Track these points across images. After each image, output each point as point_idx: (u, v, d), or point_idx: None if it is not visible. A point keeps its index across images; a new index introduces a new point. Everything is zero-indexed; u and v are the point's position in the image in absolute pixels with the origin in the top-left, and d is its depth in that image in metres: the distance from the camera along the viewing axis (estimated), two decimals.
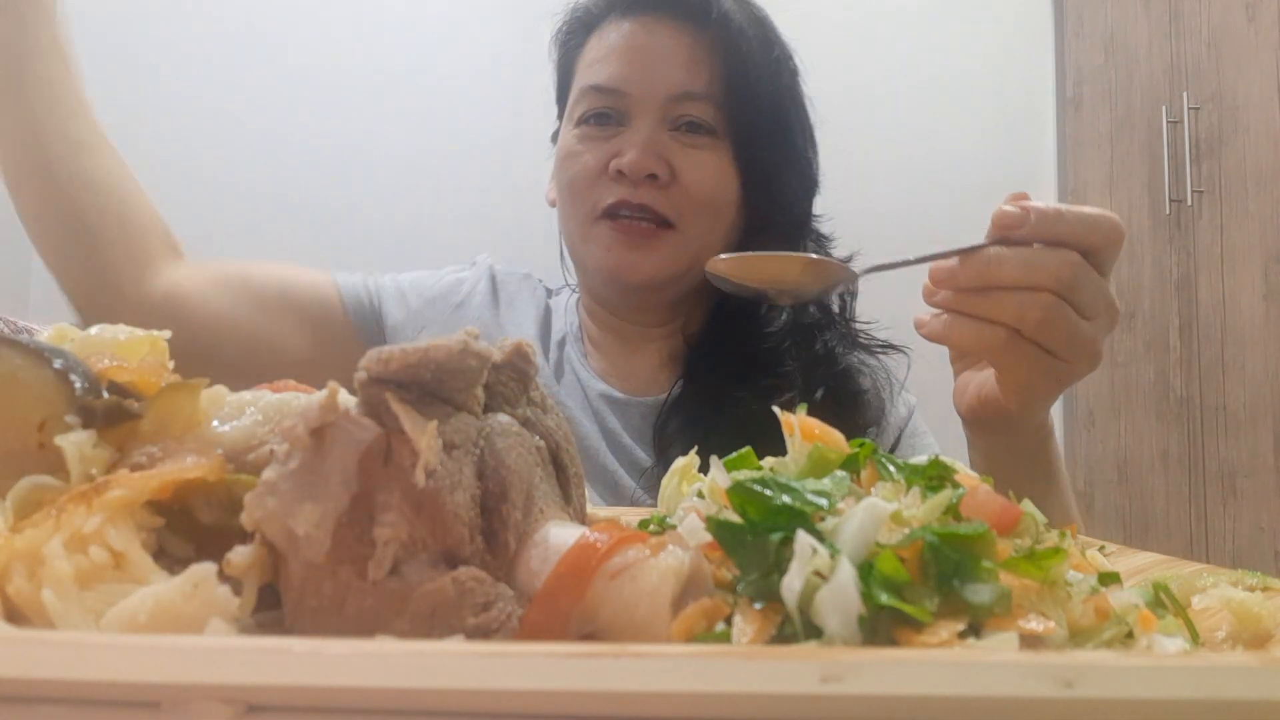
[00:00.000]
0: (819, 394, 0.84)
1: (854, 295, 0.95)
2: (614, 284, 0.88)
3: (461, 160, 2.57)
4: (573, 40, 0.94)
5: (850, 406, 0.87)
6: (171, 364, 0.37)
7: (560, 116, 0.97)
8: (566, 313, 1.00)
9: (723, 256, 0.60)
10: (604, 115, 0.87)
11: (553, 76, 0.98)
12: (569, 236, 0.93)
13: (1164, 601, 0.33)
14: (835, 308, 0.93)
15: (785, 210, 0.90)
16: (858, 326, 0.94)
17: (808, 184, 0.94)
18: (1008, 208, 0.57)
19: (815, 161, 0.95)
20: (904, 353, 0.95)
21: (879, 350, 0.94)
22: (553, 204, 0.96)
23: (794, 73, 0.93)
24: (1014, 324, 0.57)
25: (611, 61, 0.87)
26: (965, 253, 0.57)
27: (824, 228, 0.98)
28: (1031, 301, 0.56)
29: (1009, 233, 0.56)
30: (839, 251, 0.98)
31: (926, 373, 0.97)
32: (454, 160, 2.59)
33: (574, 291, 1.05)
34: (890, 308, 0.91)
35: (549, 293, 1.05)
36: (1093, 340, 0.59)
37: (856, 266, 0.93)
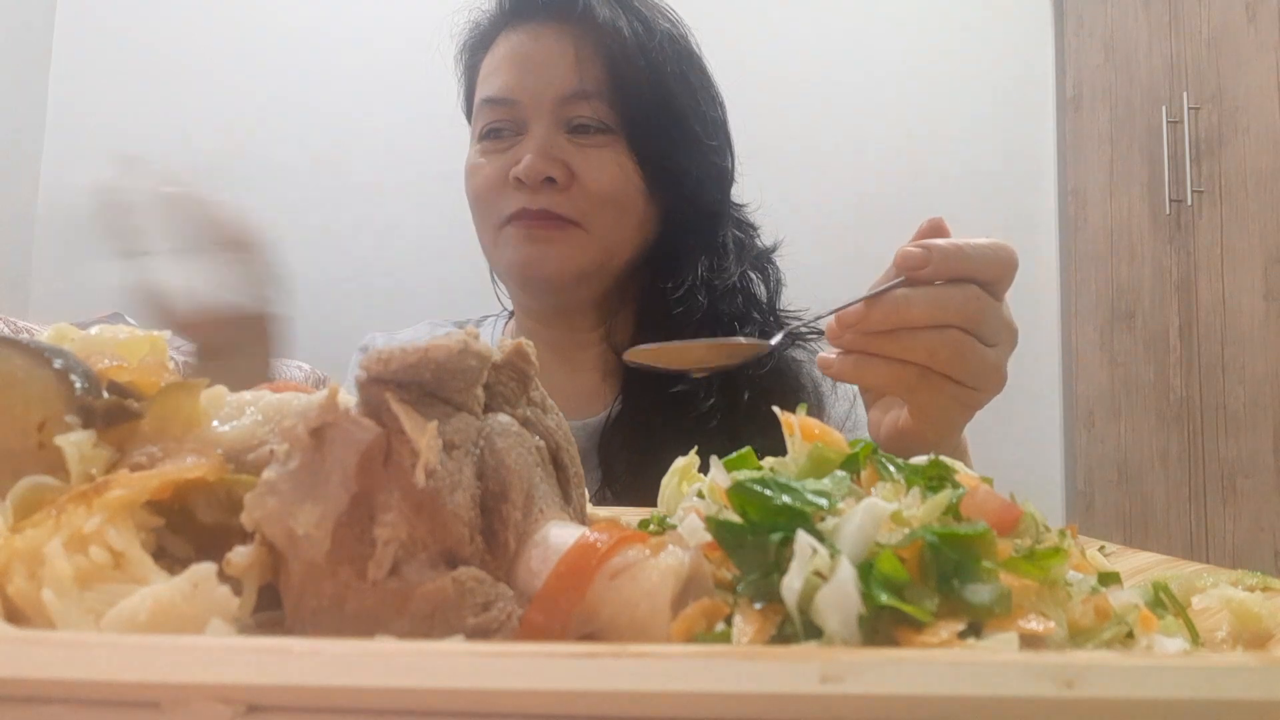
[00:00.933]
0: (745, 396, 0.83)
1: (780, 285, 0.94)
2: (525, 282, 0.88)
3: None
4: (472, 60, 0.96)
5: (782, 405, 0.85)
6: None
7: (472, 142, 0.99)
8: (493, 341, 0.99)
9: (640, 348, 0.60)
10: (498, 130, 0.88)
11: (460, 101, 1.00)
12: (484, 249, 0.93)
13: (1164, 601, 0.33)
14: (761, 296, 0.92)
15: (694, 200, 0.89)
16: (785, 316, 0.93)
17: (715, 172, 0.93)
18: (910, 248, 0.58)
19: (724, 148, 0.94)
20: (821, 332, 0.91)
21: (810, 338, 0.92)
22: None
23: (686, 56, 0.91)
24: (926, 362, 0.58)
25: (501, 73, 0.88)
26: (873, 298, 0.58)
27: (753, 217, 0.97)
28: (941, 339, 0.57)
29: (913, 273, 0.57)
30: (765, 240, 0.97)
31: None
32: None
33: (500, 317, 1.06)
34: (824, 298, 0.90)
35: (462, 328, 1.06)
36: (998, 366, 0.60)
37: (783, 263, 0.94)
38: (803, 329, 0.91)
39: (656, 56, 0.88)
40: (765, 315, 0.90)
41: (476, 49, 0.95)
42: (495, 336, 1.01)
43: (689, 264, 0.89)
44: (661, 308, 0.88)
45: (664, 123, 0.87)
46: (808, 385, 0.89)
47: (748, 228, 0.96)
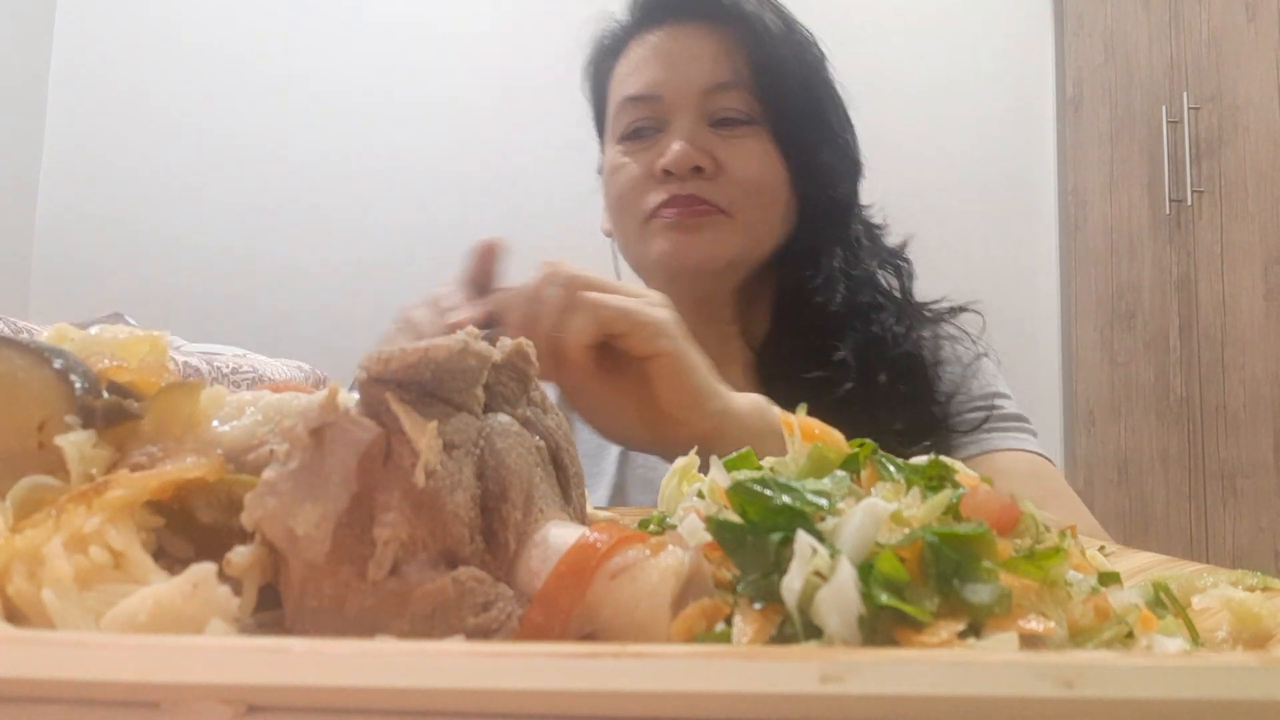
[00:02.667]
0: (881, 377, 0.83)
1: (913, 277, 0.96)
2: (676, 271, 0.87)
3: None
4: (602, 66, 0.96)
5: (919, 384, 0.87)
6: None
7: (601, 144, 0.98)
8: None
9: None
10: (642, 129, 0.88)
11: (589, 111, 1.01)
12: (627, 250, 0.93)
13: (1164, 601, 0.33)
14: (894, 288, 0.93)
15: (830, 191, 0.91)
16: (923, 306, 0.94)
17: (849, 165, 0.95)
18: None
19: (854, 143, 0.97)
20: (975, 312, 0.95)
21: (947, 317, 0.94)
22: (608, 234, 0.97)
23: (820, 56, 0.94)
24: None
25: (642, 71, 0.89)
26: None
27: (875, 218, 1.00)
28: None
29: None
30: (892, 240, 0.99)
31: (997, 330, 0.97)
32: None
33: None
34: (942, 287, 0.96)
35: None
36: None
37: (909, 251, 0.97)
38: (944, 311, 0.94)
39: (798, 48, 0.90)
40: (901, 305, 0.92)
41: (607, 56, 0.96)
42: None
43: (826, 255, 0.90)
44: (801, 298, 0.89)
45: (806, 113, 0.89)
46: (945, 361, 0.90)
47: (875, 229, 0.98)
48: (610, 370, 0.62)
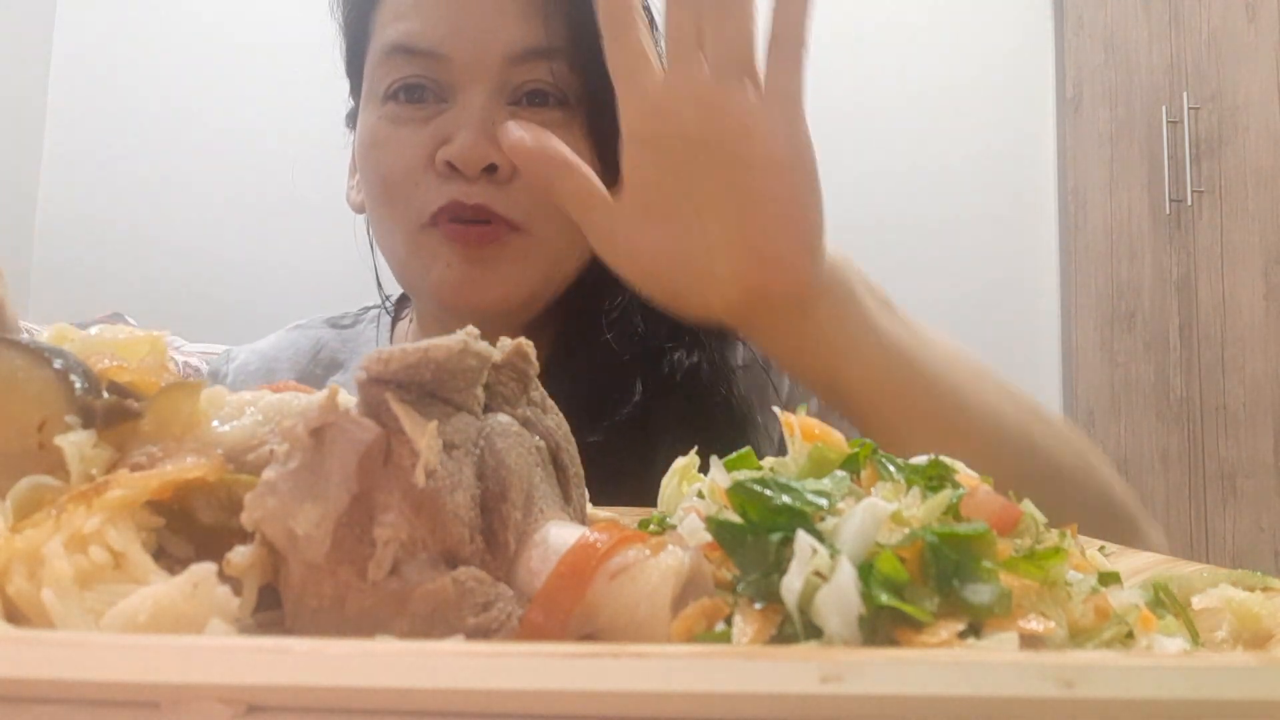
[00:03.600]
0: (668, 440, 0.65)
1: None
2: (456, 310, 0.67)
3: None
4: None
5: (719, 415, 0.71)
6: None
7: (355, 93, 0.76)
8: (377, 345, 0.83)
9: None
10: (416, 88, 0.67)
11: (339, 40, 0.77)
12: (389, 249, 0.72)
13: (1164, 601, 0.33)
14: None
15: None
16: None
17: None
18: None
19: None
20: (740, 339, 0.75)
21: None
22: (358, 210, 0.78)
23: (651, 21, 0.75)
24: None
25: (423, 13, 0.66)
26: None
27: None
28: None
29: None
30: None
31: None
32: None
33: (388, 313, 0.87)
34: None
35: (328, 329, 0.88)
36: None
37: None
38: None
39: None
40: (697, 331, 0.73)
41: None
42: (381, 339, 0.85)
43: (621, 287, 0.70)
44: (591, 332, 0.72)
45: None
46: (764, 407, 0.73)
47: None
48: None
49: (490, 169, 0.65)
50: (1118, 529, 0.58)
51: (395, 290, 0.86)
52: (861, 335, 0.52)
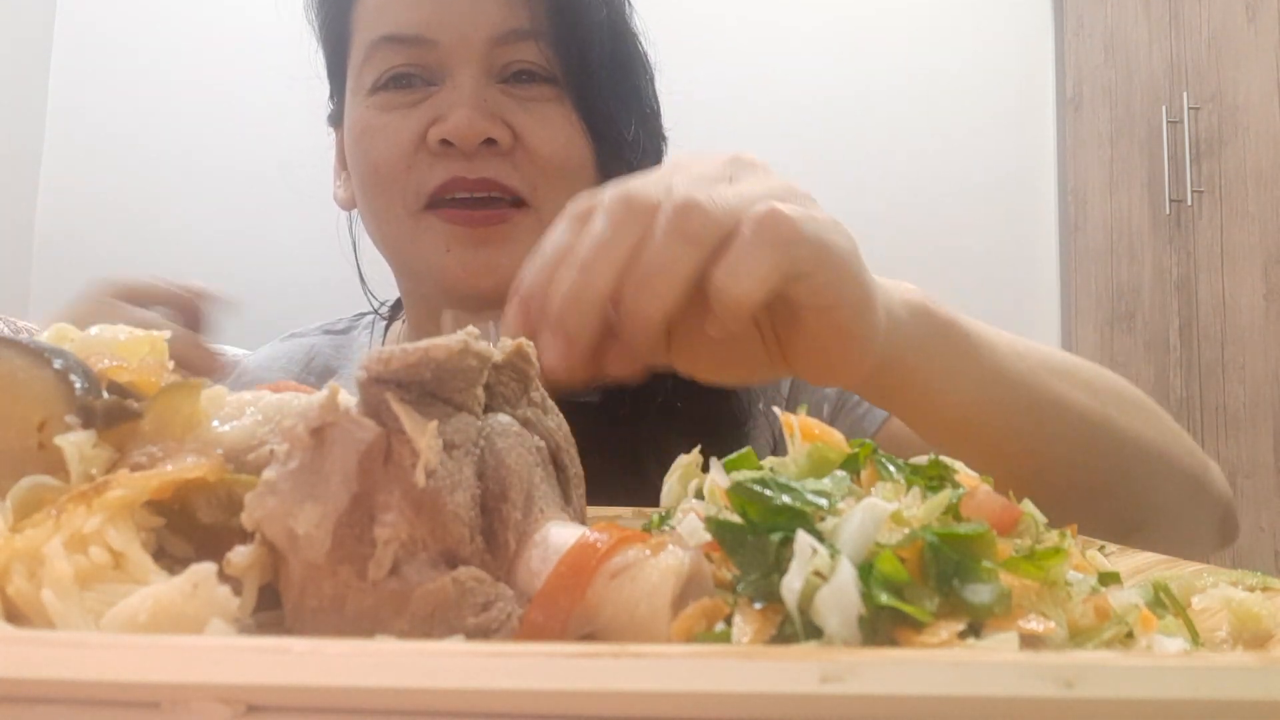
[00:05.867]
0: (658, 400, 0.65)
1: None
2: (461, 296, 0.66)
3: None
4: None
5: (711, 404, 0.68)
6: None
7: (336, 95, 0.76)
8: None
9: None
10: (405, 77, 0.67)
11: (316, 43, 0.76)
12: (385, 241, 0.71)
13: (1164, 601, 0.33)
14: None
15: (635, 171, 0.67)
16: None
17: (657, 140, 0.76)
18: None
19: (659, 112, 0.77)
20: None
21: None
22: (347, 206, 0.78)
23: (626, 1, 0.74)
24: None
25: (407, 2, 0.67)
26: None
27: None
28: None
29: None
30: None
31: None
32: None
33: (382, 318, 0.86)
34: None
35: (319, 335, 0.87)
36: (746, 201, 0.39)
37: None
38: None
39: None
40: None
41: None
42: (375, 344, 0.84)
43: None
44: None
45: (615, 77, 0.70)
46: (740, 406, 0.71)
47: None
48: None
49: (489, 143, 0.64)
50: (1200, 479, 0.62)
51: (381, 292, 0.86)
52: (943, 376, 0.52)
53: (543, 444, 0.32)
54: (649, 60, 0.76)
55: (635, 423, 0.67)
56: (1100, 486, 0.59)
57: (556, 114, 0.67)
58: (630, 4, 0.75)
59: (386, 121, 0.67)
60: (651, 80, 0.77)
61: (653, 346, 0.41)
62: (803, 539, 0.26)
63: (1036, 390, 0.55)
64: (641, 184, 0.41)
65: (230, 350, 0.91)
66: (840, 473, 0.33)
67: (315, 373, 0.85)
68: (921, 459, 0.35)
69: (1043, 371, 0.56)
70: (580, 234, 0.41)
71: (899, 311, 0.49)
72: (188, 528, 0.29)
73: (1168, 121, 2.34)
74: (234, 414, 0.32)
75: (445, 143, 0.64)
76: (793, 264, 0.39)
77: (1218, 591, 0.35)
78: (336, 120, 0.77)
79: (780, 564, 0.26)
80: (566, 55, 0.67)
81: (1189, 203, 2.28)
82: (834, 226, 0.42)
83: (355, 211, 0.79)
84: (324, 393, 0.27)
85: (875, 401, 0.57)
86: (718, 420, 0.69)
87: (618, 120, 0.70)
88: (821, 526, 0.28)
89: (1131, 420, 0.59)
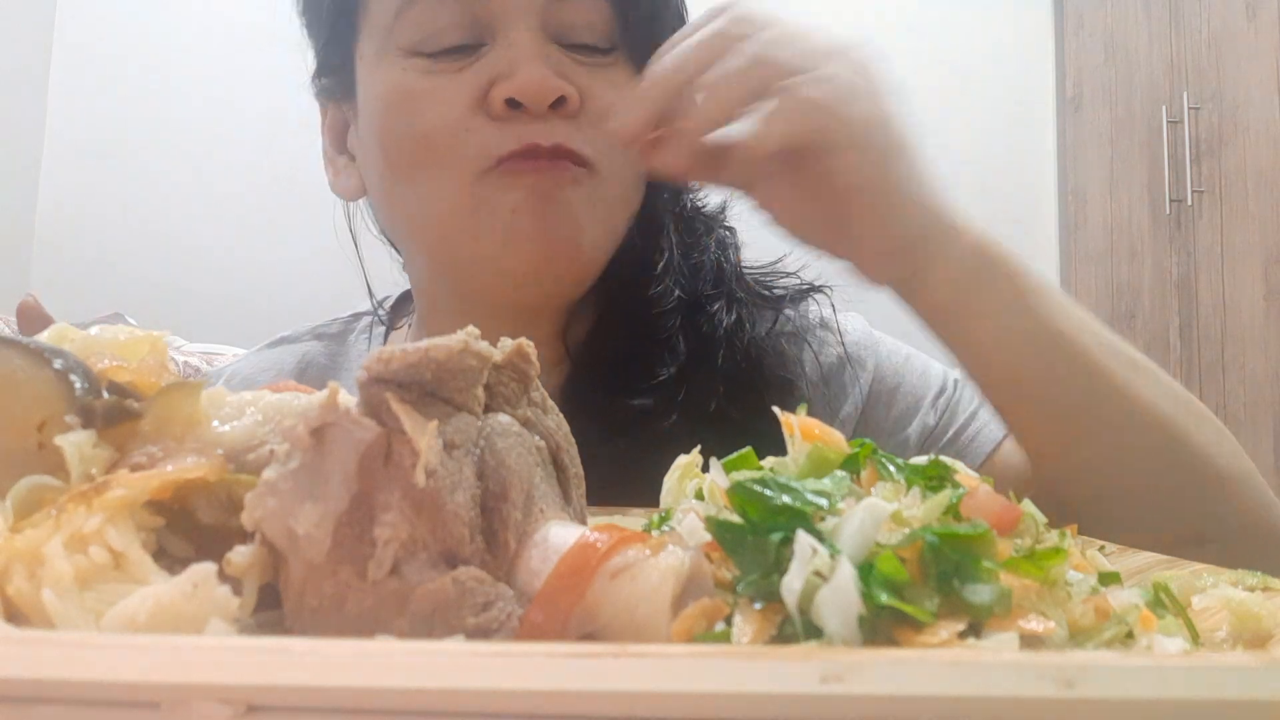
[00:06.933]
0: (711, 405, 0.63)
1: (736, 247, 0.72)
2: (519, 277, 0.61)
3: None
4: None
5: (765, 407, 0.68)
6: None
7: (339, 62, 0.67)
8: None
9: None
10: (456, 48, 0.60)
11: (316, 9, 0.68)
12: (428, 217, 0.62)
13: (1164, 601, 0.33)
14: (719, 267, 0.69)
15: None
16: (759, 279, 0.71)
17: None
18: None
19: None
20: (823, 292, 0.72)
21: (791, 301, 0.71)
22: (352, 195, 0.71)
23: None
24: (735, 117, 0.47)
25: None
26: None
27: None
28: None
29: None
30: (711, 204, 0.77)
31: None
32: None
33: (381, 321, 0.81)
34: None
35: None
36: (824, 88, 0.48)
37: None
38: (797, 290, 0.71)
39: None
40: (733, 285, 0.69)
41: None
42: (374, 347, 0.79)
43: (665, 239, 0.68)
44: (633, 291, 0.66)
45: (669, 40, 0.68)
46: (804, 378, 0.69)
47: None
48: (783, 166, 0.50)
49: (559, 103, 0.59)
50: (1273, 546, 0.58)
51: (383, 295, 0.82)
52: (1000, 306, 0.54)
53: (543, 444, 0.32)
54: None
55: (685, 429, 0.62)
56: (1156, 485, 0.57)
57: (618, 78, 0.62)
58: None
59: (432, 86, 0.60)
60: None
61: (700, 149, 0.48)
62: (803, 539, 0.26)
63: (1101, 369, 0.54)
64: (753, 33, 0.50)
65: (222, 355, 0.88)
66: (840, 473, 0.33)
67: (310, 383, 0.82)
68: (921, 459, 0.35)
69: (1112, 355, 0.55)
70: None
71: (949, 234, 0.53)
72: (188, 528, 0.29)
73: (1168, 121, 2.34)
74: (234, 414, 0.32)
75: (512, 103, 0.58)
76: (818, 134, 0.47)
77: (1218, 591, 0.35)
78: (334, 92, 0.69)
79: (780, 564, 0.26)
80: (626, 17, 0.62)
81: (1189, 203, 2.28)
82: (883, 121, 0.49)
83: (361, 201, 0.73)
84: (324, 393, 0.27)
85: (926, 315, 0.57)
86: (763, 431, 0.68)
87: None
88: (821, 526, 0.28)
89: (1203, 435, 0.58)
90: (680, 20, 0.68)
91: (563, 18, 0.61)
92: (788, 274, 0.73)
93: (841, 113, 0.48)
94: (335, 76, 0.68)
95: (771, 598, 0.26)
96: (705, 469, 0.37)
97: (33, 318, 0.55)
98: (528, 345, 0.33)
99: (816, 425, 0.37)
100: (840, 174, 0.49)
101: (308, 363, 0.80)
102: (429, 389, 0.28)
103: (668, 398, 0.63)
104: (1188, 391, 0.60)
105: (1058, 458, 0.58)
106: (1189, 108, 2.28)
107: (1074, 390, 0.55)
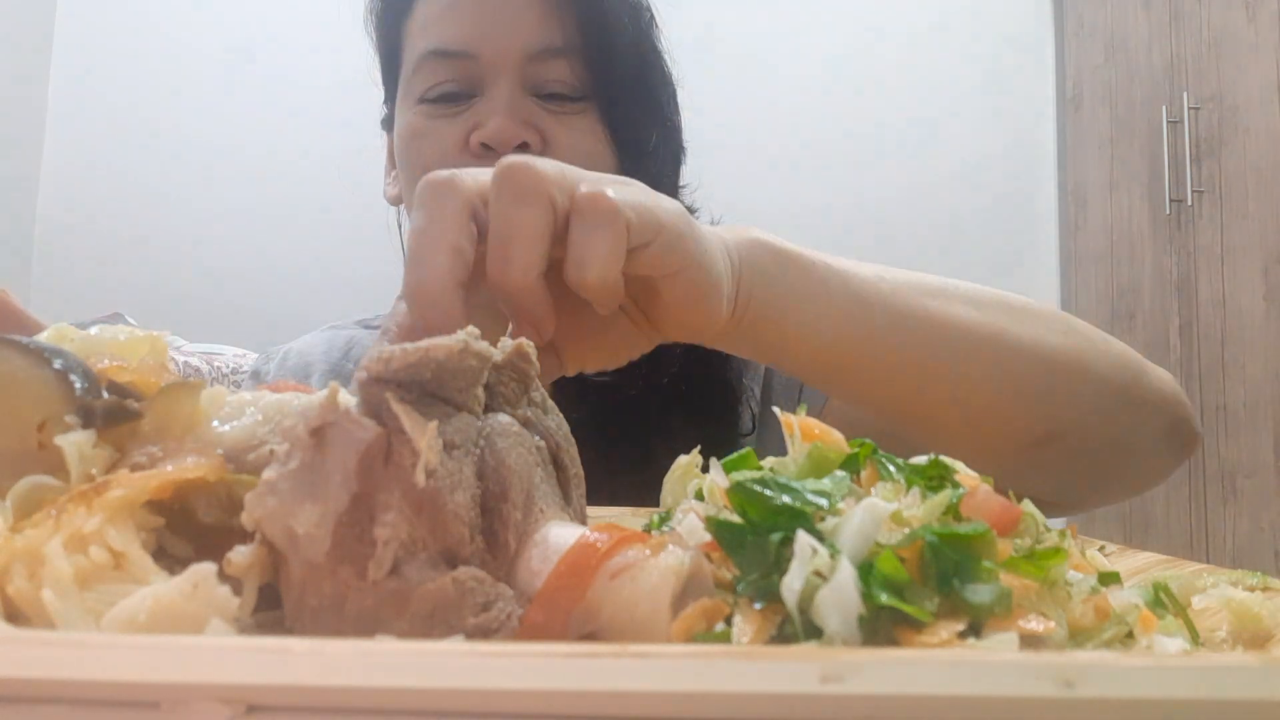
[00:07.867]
0: (675, 368, 0.70)
1: (693, 213, 0.76)
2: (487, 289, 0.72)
3: None
4: (394, 4, 0.81)
5: (714, 381, 0.75)
6: None
7: (389, 100, 0.85)
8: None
9: None
10: (450, 94, 0.75)
11: (373, 54, 0.86)
12: None
13: (1164, 601, 0.33)
14: None
15: (656, 182, 0.61)
16: None
17: (676, 150, 0.83)
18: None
19: (680, 124, 0.84)
20: None
21: None
22: (394, 201, 0.87)
23: (652, 19, 0.81)
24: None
25: (452, 20, 0.75)
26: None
27: (692, 199, 0.86)
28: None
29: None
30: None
31: None
32: None
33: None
34: None
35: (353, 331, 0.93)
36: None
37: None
38: None
39: (632, 10, 0.78)
40: None
41: None
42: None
43: None
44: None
45: (639, 92, 0.78)
46: (748, 385, 0.76)
47: (693, 211, 0.82)
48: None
49: (522, 146, 0.71)
50: (1129, 386, 0.61)
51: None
52: (800, 307, 0.52)
53: (543, 444, 0.32)
54: (671, 75, 0.83)
55: (647, 399, 0.71)
56: (994, 399, 0.58)
57: (583, 124, 0.75)
58: (656, 24, 0.81)
59: (433, 127, 0.75)
60: (673, 94, 0.83)
61: (542, 311, 0.42)
62: (803, 539, 0.26)
63: (904, 309, 0.55)
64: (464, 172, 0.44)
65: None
66: (840, 473, 0.33)
67: (354, 361, 0.89)
68: (921, 459, 0.35)
69: (910, 292, 0.56)
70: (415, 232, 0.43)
71: (739, 250, 0.50)
72: (188, 528, 0.29)
73: (1168, 121, 2.34)
74: (234, 414, 0.32)
75: (485, 146, 0.72)
76: (629, 236, 0.42)
77: (1218, 591, 0.35)
78: (389, 125, 0.86)
79: (780, 564, 0.26)
80: (595, 71, 0.74)
81: (1189, 203, 2.28)
82: (655, 197, 0.46)
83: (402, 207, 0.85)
84: (324, 392, 0.27)
85: (747, 352, 0.57)
86: (714, 395, 0.74)
87: (640, 131, 0.77)
88: (821, 526, 0.28)
89: (1029, 329, 0.58)
90: (662, 74, 0.81)
91: (538, 73, 0.74)
92: None
93: (632, 203, 0.43)
94: (389, 110, 0.85)
95: (771, 598, 0.26)
96: (705, 469, 0.37)
97: (4, 315, 0.55)
98: (528, 345, 0.33)
99: (816, 425, 0.37)
100: (661, 263, 0.44)
101: (353, 343, 0.93)
102: (429, 389, 0.28)
103: (630, 369, 0.64)
104: (1002, 293, 0.61)
105: (895, 413, 0.59)
106: (1189, 108, 2.28)
107: (892, 341, 0.55)
